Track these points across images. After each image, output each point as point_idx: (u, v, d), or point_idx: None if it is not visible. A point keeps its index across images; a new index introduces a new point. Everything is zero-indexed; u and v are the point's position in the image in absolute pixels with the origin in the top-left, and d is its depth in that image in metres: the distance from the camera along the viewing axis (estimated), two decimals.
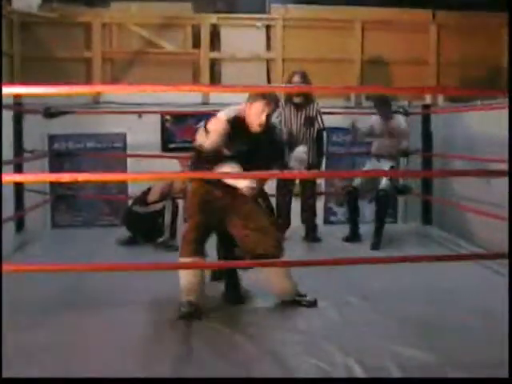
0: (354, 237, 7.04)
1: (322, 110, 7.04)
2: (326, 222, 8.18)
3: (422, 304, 4.58)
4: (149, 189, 6.76)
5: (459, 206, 7.22)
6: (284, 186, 6.94)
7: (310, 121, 6.92)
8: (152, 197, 6.71)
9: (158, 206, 6.65)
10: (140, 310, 4.55)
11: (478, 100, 6.91)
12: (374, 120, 7.03)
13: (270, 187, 6.92)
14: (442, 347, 3.73)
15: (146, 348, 3.85)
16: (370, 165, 7.10)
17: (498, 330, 3.81)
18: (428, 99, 8.34)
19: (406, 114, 7.55)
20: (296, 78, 6.78)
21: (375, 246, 6.68)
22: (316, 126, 6.95)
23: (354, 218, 7.09)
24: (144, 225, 6.73)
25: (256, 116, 4.35)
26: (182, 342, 3.90)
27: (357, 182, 6.96)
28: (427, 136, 7.96)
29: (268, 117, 4.35)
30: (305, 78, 6.78)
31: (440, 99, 8.41)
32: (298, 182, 7.04)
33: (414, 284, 5.07)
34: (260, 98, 4.31)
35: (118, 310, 4.54)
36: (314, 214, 7.20)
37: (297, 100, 6.86)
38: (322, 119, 6.98)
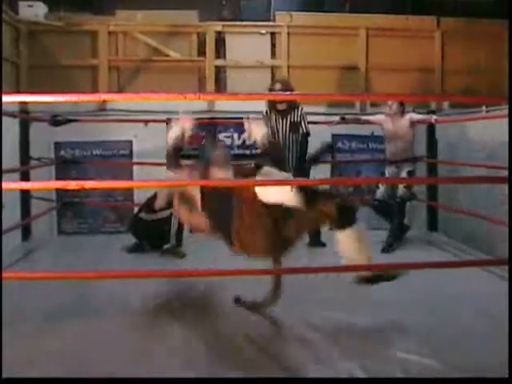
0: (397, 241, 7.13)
1: (326, 119, 7.08)
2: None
3: (426, 309, 4.59)
4: (155, 195, 6.77)
5: (464, 212, 7.21)
6: None
7: (294, 126, 6.95)
8: (158, 204, 6.71)
9: (165, 214, 6.66)
10: (145, 316, 4.58)
11: (482, 107, 6.93)
12: (384, 119, 7.05)
13: None
14: (446, 352, 3.75)
15: (150, 354, 3.87)
16: (388, 172, 7.14)
17: (503, 335, 3.80)
18: (433, 106, 8.35)
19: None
20: (277, 86, 6.85)
21: (386, 249, 6.76)
22: (300, 131, 6.97)
23: (398, 226, 7.16)
24: (150, 232, 6.76)
25: None
26: (187, 347, 3.93)
27: (379, 194, 6.99)
28: (432, 143, 7.98)
29: None
30: (286, 85, 6.84)
31: (445, 106, 8.43)
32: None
33: (418, 289, 5.07)
34: None
35: (124, 317, 4.57)
36: None
37: (280, 107, 6.89)
38: (306, 124, 7.00)
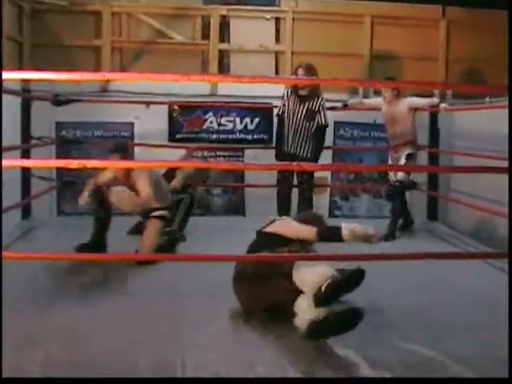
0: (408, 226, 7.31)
1: (331, 104, 7.05)
2: (331, 215, 8.18)
3: (426, 300, 4.57)
4: (170, 171, 6.73)
5: (464, 202, 7.21)
6: (283, 178, 6.97)
7: (311, 114, 6.90)
8: (174, 185, 6.66)
9: (177, 197, 6.57)
10: (146, 299, 4.58)
11: (486, 97, 6.91)
12: (382, 103, 7.06)
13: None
14: (445, 343, 3.74)
15: (151, 336, 3.87)
16: (390, 157, 7.16)
17: (500, 327, 3.81)
18: (436, 95, 8.32)
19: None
20: (300, 71, 6.79)
21: (388, 237, 6.77)
22: (317, 120, 6.93)
23: (406, 211, 7.31)
24: None
25: None
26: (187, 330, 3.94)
27: (400, 176, 6.95)
28: (434, 132, 7.97)
29: None
30: (310, 70, 6.76)
31: (448, 96, 8.40)
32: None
33: (417, 280, 5.07)
34: None
35: (122, 298, 4.59)
36: (311, 207, 7.17)
37: (301, 92, 6.85)
38: (324, 115, 6.96)
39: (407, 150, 6.93)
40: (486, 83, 8.35)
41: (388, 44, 8.47)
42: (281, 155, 6.90)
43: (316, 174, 7.26)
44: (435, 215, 8.11)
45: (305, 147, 6.90)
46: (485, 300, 4.53)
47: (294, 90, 6.88)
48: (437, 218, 8.08)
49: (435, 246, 6.53)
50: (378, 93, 7.85)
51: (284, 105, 6.93)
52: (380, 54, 8.48)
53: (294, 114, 6.90)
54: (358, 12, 8.51)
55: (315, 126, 6.92)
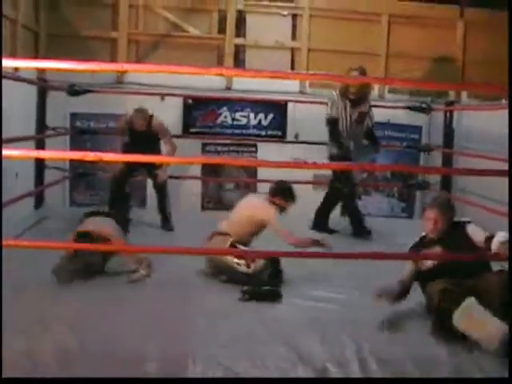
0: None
1: None
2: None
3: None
4: None
5: (477, 203, 7.16)
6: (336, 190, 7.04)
7: (362, 117, 6.92)
8: None
9: None
10: (150, 288, 4.64)
11: (502, 98, 6.86)
12: None
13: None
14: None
15: (160, 322, 3.89)
16: None
17: None
18: (452, 96, 8.30)
19: (430, 109, 7.52)
20: (354, 73, 6.73)
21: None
22: (367, 122, 6.95)
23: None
24: None
25: None
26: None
27: None
28: (449, 133, 7.94)
29: None
30: (363, 74, 6.72)
31: (464, 96, 8.37)
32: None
33: None
34: None
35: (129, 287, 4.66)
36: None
37: (352, 96, 6.82)
38: (372, 116, 7.04)
39: None
40: (502, 84, 8.29)
41: (405, 43, 8.42)
42: (336, 158, 6.85)
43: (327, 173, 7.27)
44: None
45: (358, 149, 6.92)
46: None
47: (345, 93, 6.83)
48: None
49: None
50: (393, 91, 7.84)
51: (334, 108, 6.86)
52: (396, 53, 8.42)
53: (346, 118, 6.87)
54: (376, 10, 8.47)
55: (365, 128, 6.97)
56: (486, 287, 3.82)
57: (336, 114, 6.82)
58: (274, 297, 4.58)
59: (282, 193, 5.21)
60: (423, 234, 4.36)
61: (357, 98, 6.82)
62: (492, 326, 3.62)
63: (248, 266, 4.78)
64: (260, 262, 4.78)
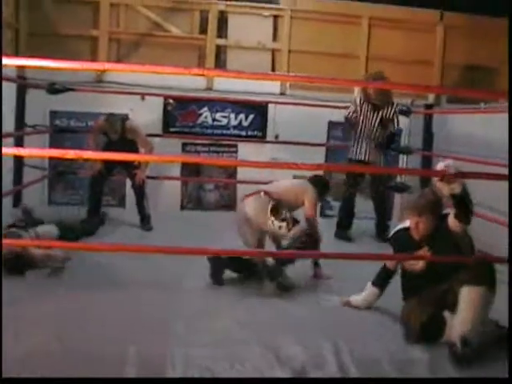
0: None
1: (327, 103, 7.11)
2: (323, 215, 8.18)
3: None
4: None
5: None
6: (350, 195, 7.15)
7: (385, 122, 6.95)
8: None
9: None
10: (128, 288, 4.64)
11: (481, 102, 6.94)
12: None
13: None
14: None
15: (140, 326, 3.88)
16: None
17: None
18: (431, 99, 8.36)
19: (409, 112, 7.56)
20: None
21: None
22: (390, 127, 6.99)
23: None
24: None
25: None
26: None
27: None
28: (428, 135, 7.99)
29: None
30: (382, 79, 6.68)
31: (443, 100, 8.43)
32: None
33: None
34: None
35: (106, 288, 4.65)
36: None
37: (374, 100, 6.87)
38: (397, 121, 7.07)
39: None
40: (481, 88, 8.37)
41: (385, 46, 8.47)
42: (355, 161, 6.95)
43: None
44: None
45: (377, 154, 6.98)
46: None
47: (367, 98, 6.90)
48: None
49: None
50: None
51: (355, 111, 6.93)
52: (376, 56, 8.46)
53: (367, 122, 6.93)
54: (357, 13, 8.51)
55: (388, 133, 7.01)
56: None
57: (357, 117, 6.92)
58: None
59: (321, 185, 5.51)
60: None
61: (379, 102, 6.87)
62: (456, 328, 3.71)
63: (289, 230, 4.97)
64: (298, 229, 4.99)
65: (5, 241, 4.55)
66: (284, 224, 4.96)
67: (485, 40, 8.50)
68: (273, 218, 4.96)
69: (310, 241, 5.00)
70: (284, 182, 5.53)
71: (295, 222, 5.04)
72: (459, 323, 3.70)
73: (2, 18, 6.57)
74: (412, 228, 4.20)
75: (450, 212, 3.99)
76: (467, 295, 3.73)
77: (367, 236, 7.16)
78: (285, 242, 5.08)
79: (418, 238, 4.18)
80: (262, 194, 5.11)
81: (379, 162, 7.02)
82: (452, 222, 3.98)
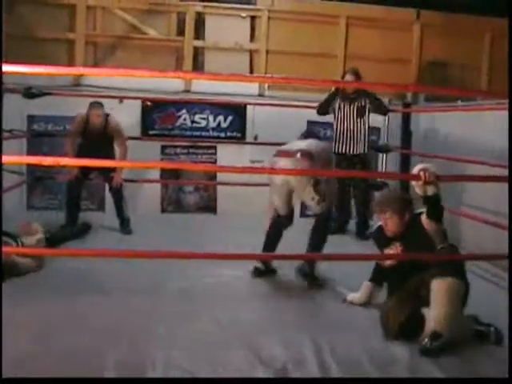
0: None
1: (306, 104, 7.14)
2: (302, 215, 8.16)
3: None
4: None
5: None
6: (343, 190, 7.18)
7: (362, 111, 7.02)
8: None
9: None
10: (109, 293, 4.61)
11: (458, 100, 6.98)
12: None
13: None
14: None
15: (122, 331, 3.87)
16: None
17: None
18: (409, 97, 8.39)
19: (387, 110, 7.58)
20: (348, 77, 6.89)
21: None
22: (367, 118, 7.04)
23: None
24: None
25: None
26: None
27: None
28: (406, 134, 8.01)
29: None
30: (356, 74, 6.87)
31: (421, 98, 8.47)
32: None
33: None
34: None
35: (87, 294, 4.60)
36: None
37: (349, 92, 6.98)
38: (381, 107, 7.17)
39: None
40: (458, 86, 8.42)
41: (362, 45, 8.50)
42: (338, 155, 6.97)
43: None
44: None
45: (360, 146, 7.04)
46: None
47: (342, 90, 7.00)
48: None
49: None
50: None
51: (330, 105, 7.08)
52: (354, 55, 8.49)
53: (342, 114, 7.04)
54: (334, 13, 8.53)
55: (367, 122, 7.07)
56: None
57: (333, 110, 7.08)
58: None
59: None
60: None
61: (353, 94, 6.97)
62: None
63: (318, 203, 5.08)
64: (326, 205, 5.14)
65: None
66: (317, 198, 5.04)
67: (461, 38, 8.56)
68: (311, 189, 5.02)
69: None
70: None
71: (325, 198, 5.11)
72: (432, 317, 3.77)
73: (2, 18, 6.51)
74: (383, 225, 4.27)
75: (423, 211, 4.06)
76: (436, 288, 3.80)
77: (349, 234, 7.17)
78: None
79: (389, 234, 4.24)
80: (299, 155, 5.07)
81: (363, 154, 7.05)
82: (424, 220, 4.04)
